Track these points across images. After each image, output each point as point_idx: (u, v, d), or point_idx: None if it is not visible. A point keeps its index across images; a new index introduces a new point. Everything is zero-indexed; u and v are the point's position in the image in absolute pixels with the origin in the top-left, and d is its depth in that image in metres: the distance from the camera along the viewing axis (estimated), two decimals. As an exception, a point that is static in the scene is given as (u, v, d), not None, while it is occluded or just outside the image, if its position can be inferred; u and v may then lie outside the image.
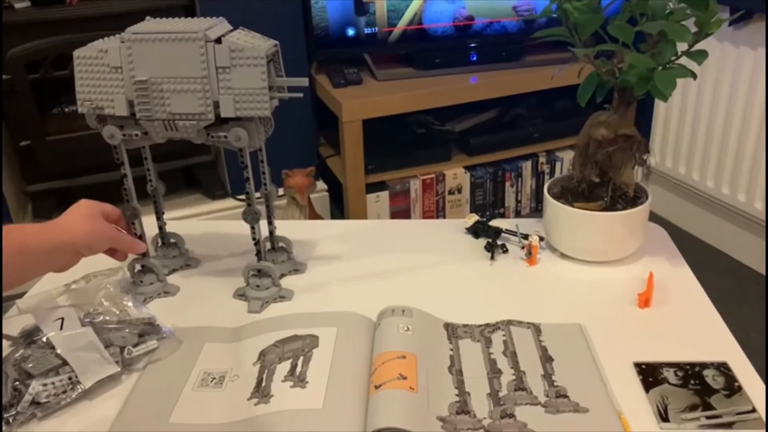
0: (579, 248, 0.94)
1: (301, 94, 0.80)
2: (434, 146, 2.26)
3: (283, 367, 0.73)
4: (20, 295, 0.85)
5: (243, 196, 0.86)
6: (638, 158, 0.90)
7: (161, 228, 0.96)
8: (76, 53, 0.78)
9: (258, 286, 0.88)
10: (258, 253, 0.88)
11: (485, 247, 0.98)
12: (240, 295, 0.89)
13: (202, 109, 0.77)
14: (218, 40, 0.76)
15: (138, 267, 0.91)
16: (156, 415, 0.69)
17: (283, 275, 0.93)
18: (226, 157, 2.12)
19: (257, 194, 0.86)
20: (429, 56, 2.16)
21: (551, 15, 0.86)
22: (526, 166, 2.33)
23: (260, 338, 0.79)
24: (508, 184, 2.33)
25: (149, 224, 0.93)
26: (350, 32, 2.09)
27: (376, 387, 0.68)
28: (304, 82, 0.79)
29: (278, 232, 0.95)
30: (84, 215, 0.79)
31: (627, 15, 0.82)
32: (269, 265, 0.88)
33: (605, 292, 0.88)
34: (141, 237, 0.90)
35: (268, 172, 0.89)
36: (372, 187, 2.14)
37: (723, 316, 0.82)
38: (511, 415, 0.67)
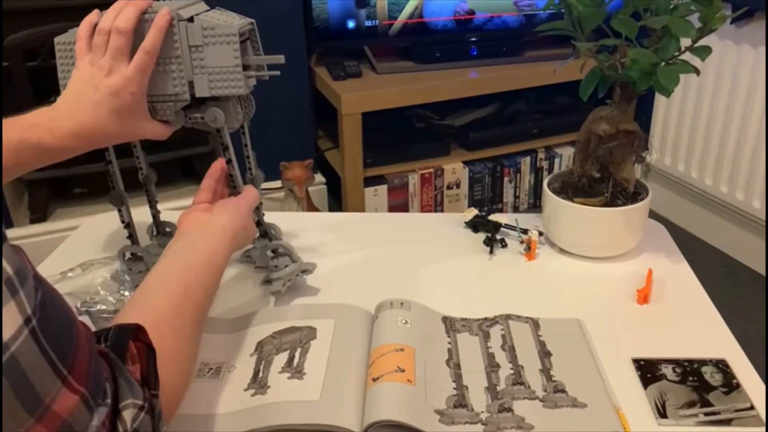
0: (578, 244, 0.94)
1: (278, 72, 0.79)
2: (433, 141, 2.26)
3: (281, 359, 0.73)
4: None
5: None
6: (638, 155, 0.90)
7: (155, 217, 0.95)
8: (56, 40, 0.77)
9: (276, 267, 0.87)
10: None
11: (484, 242, 0.98)
12: (267, 281, 0.87)
13: (178, 90, 0.76)
14: (190, 20, 0.75)
15: (128, 255, 0.90)
16: (152, 405, 0.68)
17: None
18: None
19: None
20: (429, 50, 2.15)
21: (555, 8, 0.85)
22: (525, 162, 2.33)
23: (257, 329, 0.79)
24: (506, 179, 2.33)
25: (144, 213, 0.92)
26: (350, 25, 2.08)
27: (374, 379, 0.68)
28: (280, 59, 0.78)
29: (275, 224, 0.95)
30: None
31: (630, 10, 0.81)
32: (285, 244, 0.87)
33: (604, 288, 0.87)
34: (129, 225, 0.89)
35: (252, 157, 0.88)
36: (370, 181, 2.13)
37: (720, 313, 0.82)
38: (509, 409, 0.66)
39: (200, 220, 0.76)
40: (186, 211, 0.79)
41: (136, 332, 0.54)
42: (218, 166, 0.83)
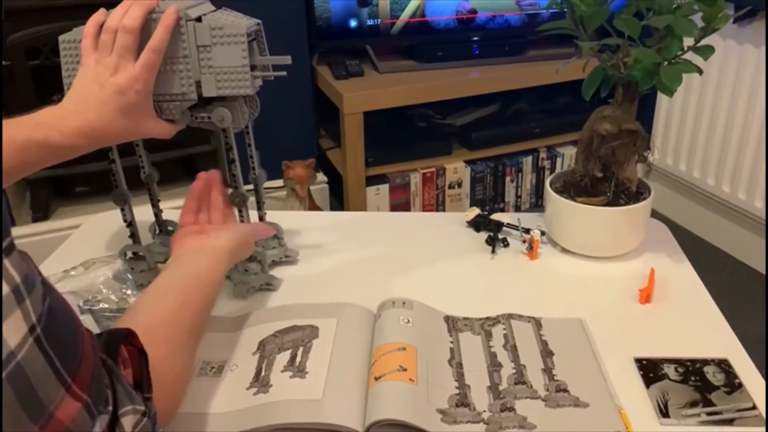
0: (581, 243, 0.94)
1: (284, 72, 0.79)
2: (435, 140, 2.26)
3: (283, 357, 0.73)
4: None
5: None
6: (641, 154, 0.90)
7: (157, 215, 0.95)
8: (61, 38, 0.77)
9: (246, 270, 0.87)
10: None
11: (486, 241, 0.98)
12: (227, 277, 0.87)
13: (185, 89, 0.76)
14: (198, 20, 0.75)
15: (129, 254, 0.90)
16: (154, 404, 0.68)
17: (274, 262, 0.92)
18: (226, 148, 2.10)
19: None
20: (431, 49, 2.15)
21: (557, 8, 0.85)
22: (527, 162, 2.33)
23: (260, 328, 0.79)
24: (508, 179, 2.32)
25: (146, 212, 0.92)
26: (353, 24, 2.08)
27: (376, 378, 0.68)
28: (287, 60, 0.78)
29: (276, 222, 0.95)
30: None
31: (633, 9, 0.81)
32: (259, 251, 0.87)
33: (606, 288, 0.87)
34: (131, 224, 0.89)
35: (256, 156, 0.87)
36: (372, 180, 2.13)
37: (722, 313, 0.82)
38: (511, 409, 0.66)
39: (197, 245, 0.76)
40: (177, 234, 0.80)
41: (128, 336, 0.54)
42: (199, 185, 0.84)
